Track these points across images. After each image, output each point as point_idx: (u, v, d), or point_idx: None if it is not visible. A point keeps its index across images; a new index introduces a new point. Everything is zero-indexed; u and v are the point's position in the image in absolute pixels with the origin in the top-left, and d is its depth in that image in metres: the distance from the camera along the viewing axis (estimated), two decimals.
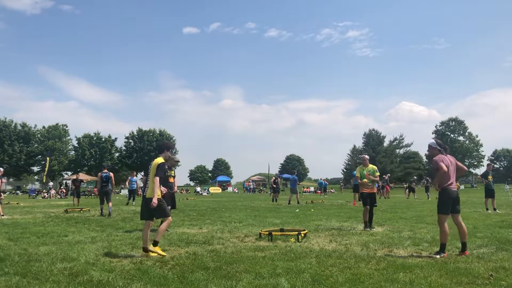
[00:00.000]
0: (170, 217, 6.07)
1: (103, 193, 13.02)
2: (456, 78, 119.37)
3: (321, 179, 43.61)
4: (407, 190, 28.66)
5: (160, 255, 5.68)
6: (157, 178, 5.79)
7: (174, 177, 9.02)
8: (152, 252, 5.72)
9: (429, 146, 5.90)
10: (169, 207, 8.85)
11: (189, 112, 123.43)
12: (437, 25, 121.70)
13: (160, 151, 6.22)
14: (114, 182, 13.69)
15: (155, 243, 5.80)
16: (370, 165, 8.97)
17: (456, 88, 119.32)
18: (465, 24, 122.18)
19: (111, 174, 13.41)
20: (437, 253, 5.55)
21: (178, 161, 9.35)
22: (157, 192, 5.78)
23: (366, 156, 9.17)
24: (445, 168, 5.54)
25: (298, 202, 19.37)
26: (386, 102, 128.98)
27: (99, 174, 13.38)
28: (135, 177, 20.75)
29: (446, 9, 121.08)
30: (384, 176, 27.32)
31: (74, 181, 20.56)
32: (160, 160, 5.96)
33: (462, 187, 49.00)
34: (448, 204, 5.62)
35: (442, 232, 5.55)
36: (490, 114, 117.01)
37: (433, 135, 77.59)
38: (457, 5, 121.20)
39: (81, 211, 14.23)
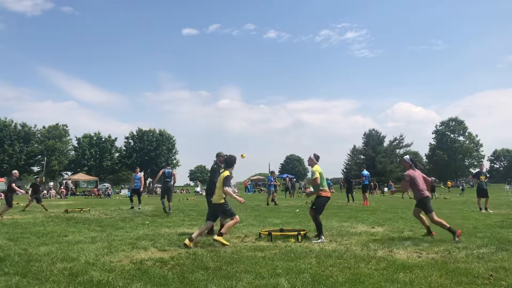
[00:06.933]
0: None
1: (164, 189, 13.60)
2: (454, 78, 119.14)
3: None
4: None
5: None
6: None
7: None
8: None
9: (404, 160, 7.61)
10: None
11: (188, 112, 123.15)
12: (435, 27, 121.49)
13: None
14: (175, 179, 14.27)
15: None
16: None
17: (453, 88, 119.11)
18: (463, 25, 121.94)
19: (174, 172, 14.06)
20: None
21: (224, 156, 8.02)
22: None
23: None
24: (407, 188, 7.46)
25: (269, 202, 19.22)
26: (384, 103, 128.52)
27: (162, 170, 13.68)
28: (139, 174, 16.81)
29: (444, 11, 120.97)
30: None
31: (33, 185, 17.47)
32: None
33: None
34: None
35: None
36: (488, 115, 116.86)
37: (433, 135, 77.93)
38: (455, 7, 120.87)
39: (81, 211, 14.24)
